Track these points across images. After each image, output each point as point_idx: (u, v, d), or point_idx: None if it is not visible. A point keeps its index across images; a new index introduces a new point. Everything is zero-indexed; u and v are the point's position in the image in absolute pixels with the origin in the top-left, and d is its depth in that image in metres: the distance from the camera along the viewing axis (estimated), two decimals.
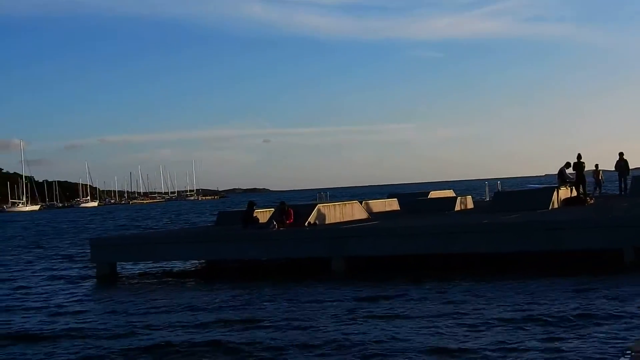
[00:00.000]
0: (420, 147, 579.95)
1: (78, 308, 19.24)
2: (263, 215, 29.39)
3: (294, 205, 28.61)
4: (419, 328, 13.97)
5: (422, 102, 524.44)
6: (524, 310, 14.98)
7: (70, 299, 21.09)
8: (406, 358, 11.75)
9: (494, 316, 14.58)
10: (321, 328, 14.58)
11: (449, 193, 43.64)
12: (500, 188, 45.57)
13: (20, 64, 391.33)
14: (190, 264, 28.00)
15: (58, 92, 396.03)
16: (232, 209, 43.78)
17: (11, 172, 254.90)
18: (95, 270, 26.69)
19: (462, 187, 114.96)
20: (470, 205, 37.30)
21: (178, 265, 28.02)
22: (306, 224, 26.64)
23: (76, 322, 16.96)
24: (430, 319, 14.80)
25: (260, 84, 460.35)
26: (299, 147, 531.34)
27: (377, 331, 13.90)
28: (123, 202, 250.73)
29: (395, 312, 15.89)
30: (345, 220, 29.28)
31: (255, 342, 13.57)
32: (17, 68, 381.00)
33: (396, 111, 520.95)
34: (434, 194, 41.59)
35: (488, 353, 11.75)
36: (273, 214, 28.12)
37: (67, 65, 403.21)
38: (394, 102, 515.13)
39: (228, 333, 14.65)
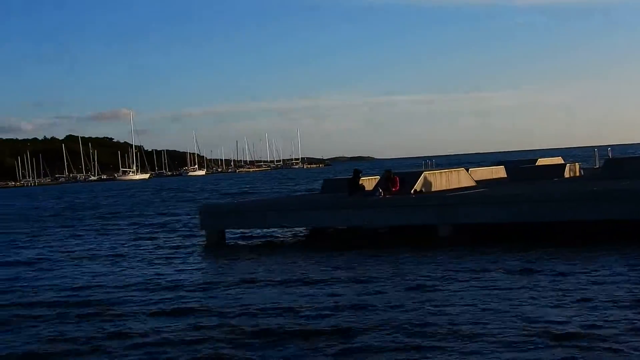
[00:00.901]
0: (526, 114, 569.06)
1: (188, 276, 19.65)
2: (369, 183, 29.44)
3: (399, 173, 28.56)
4: (528, 299, 13.79)
5: (527, 68, 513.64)
6: None
7: (181, 267, 21.59)
8: (522, 333, 11.57)
9: (615, 292, 13.75)
10: (432, 296, 14.62)
11: (557, 160, 42.79)
12: (611, 155, 44.39)
13: (129, 36, 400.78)
14: (296, 231, 28.31)
15: (165, 63, 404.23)
16: (337, 177, 43.92)
17: (121, 141, 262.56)
18: (204, 237, 27.29)
19: (569, 154, 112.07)
20: (579, 172, 36.47)
21: (284, 232, 28.36)
22: (412, 191, 26.56)
23: (187, 291, 17.29)
24: (540, 290, 14.50)
25: (366, 51, 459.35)
26: (403, 114, 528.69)
27: (483, 299, 13.81)
28: (229, 170, 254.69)
29: (504, 281, 15.73)
30: (451, 188, 29.06)
31: (369, 306, 13.71)
32: (127, 39, 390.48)
33: (501, 78, 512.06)
34: (541, 161, 40.85)
35: (616, 333, 10.96)
36: (379, 181, 28.13)
37: (173, 36, 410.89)
38: (498, 68, 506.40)
39: (339, 297, 14.80)
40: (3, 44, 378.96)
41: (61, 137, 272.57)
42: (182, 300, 15.72)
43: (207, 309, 14.52)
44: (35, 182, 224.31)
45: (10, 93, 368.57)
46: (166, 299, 16.04)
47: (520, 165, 39.83)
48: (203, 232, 27.61)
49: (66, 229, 39.18)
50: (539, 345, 10.45)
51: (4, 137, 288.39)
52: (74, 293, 17.65)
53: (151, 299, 16.10)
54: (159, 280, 18.73)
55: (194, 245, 26.86)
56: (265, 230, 28.55)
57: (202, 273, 19.99)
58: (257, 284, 17.20)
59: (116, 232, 35.26)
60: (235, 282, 17.47)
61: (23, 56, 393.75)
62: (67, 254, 26.78)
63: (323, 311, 13.45)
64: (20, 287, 19.03)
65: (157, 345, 11.84)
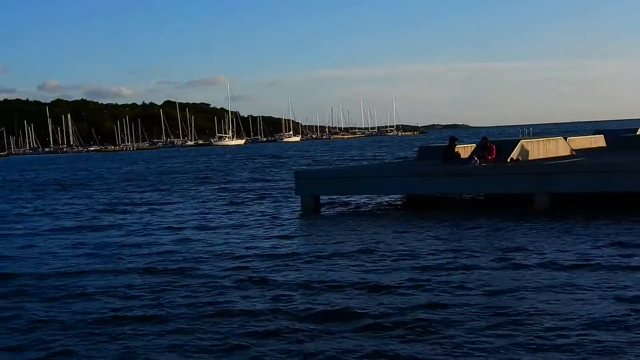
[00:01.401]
0: (626, 82, 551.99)
1: (282, 243, 19.77)
2: (464, 150, 29.21)
3: (495, 141, 28.25)
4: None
5: (626, 36, 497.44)
6: None
7: (275, 233, 21.71)
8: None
9: None
10: (530, 264, 14.52)
11: None
12: None
13: (227, 4, 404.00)
14: (390, 199, 28.33)
15: (262, 29, 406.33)
16: (433, 144, 43.66)
17: (218, 107, 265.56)
18: (299, 202, 27.43)
19: None
20: None
21: (379, 200, 28.39)
22: (508, 159, 26.25)
23: (279, 259, 17.43)
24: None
25: (465, 18, 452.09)
26: (499, 82, 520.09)
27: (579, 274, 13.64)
28: (324, 137, 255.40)
29: (600, 254, 15.50)
30: (548, 156, 28.60)
31: (464, 282, 13.66)
32: (226, 7, 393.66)
33: (600, 46, 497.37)
34: None
35: None
36: (475, 149, 27.88)
37: (270, 2, 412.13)
38: (597, 36, 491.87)
39: (432, 272, 14.79)
40: (110, 15, 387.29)
41: (159, 102, 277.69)
42: (273, 269, 15.63)
43: (296, 280, 14.32)
44: (133, 146, 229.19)
45: (112, 59, 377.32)
46: (256, 267, 15.98)
47: (621, 134, 38.87)
48: (298, 198, 27.86)
49: (160, 193, 40.03)
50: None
51: (105, 102, 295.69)
52: (163, 258, 17.67)
53: (240, 267, 16.06)
54: (251, 248, 18.75)
55: (288, 211, 27.08)
56: (359, 196, 28.63)
57: (296, 241, 19.96)
58: (348, 256, 16.70)
59: (209, 197, 35.72)
60: (328, 253, 17.20)
61: (126, 24, 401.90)
62: (159, 219, 27.13)
63: (416, 289, 13.00)
64: (112, 253, 19.04)
65: (249, 315, 11.75)
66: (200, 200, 34.01)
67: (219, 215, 27.19)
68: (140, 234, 23.04)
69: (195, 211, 29.24)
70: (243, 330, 10.84)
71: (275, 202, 31.11)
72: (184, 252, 18.50)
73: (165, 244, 20.21)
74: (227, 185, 43.13)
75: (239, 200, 32.72)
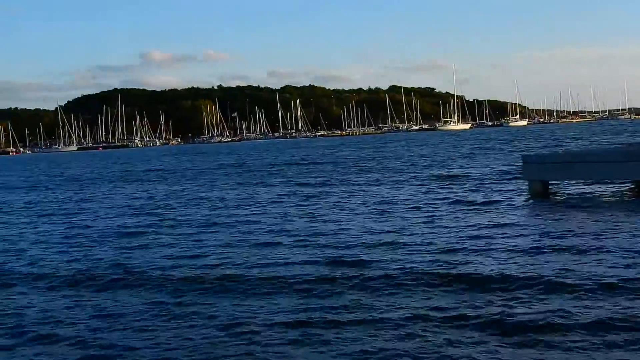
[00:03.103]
0: None
1: (508, 233, 17.99)
2: None
3: None
4: None
5: None
6: None
7: (500, 220, 20.04)
8: None
9: None
10: None
11: None
12: None
13: None
14: (625, 186, 25.80)
15: (487, 10, 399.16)
16: None
17: (443, 92, 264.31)
18: (527, 187, 25.74)
19: None
20: None
21: (614, 186, 25.97)
22: None
23: (503, 254, 15.92)
24: None
25: None
26: None
27: None
28: (552, 121, 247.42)
29: None
30: None
31: None
32: None
33: None
34: None
35: None
36: None
37: None
38: None
39: None
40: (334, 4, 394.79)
41: (385, 87, 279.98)
42: (495, 265, 13.89)
43: (517, 278, 12.48)
44: (359, 131, 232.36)
45: (335, 43, 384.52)
46: (478, 262, 14.32)
47: None
48: (525, 184, 26.09)
49: (368, 178, 39.18)
50: None
51: (331, 87, 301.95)
52: (356, 252, 16.00)
53: (456, 260, 14.45)
54: (467, 238, 17.16)
55: (514, 197, 25.32)
56: (594, 183, 26.38)
57: (525, 233, 17.73)
58: (584, 252, 14.52)
59: (426, 183, 34.18)
60: (558, 248, 15.07)
61: (350, 12, 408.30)
62: (365, 202, 26.31)
63: None
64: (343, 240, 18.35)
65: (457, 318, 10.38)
66: (418, 185, 32.66)
67: (433, 202, 25.56)
68: (343, 219, 22.01)
69: (398, 196, 27.83)
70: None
71: (498, 187, 29.20)
72: (388, 243, 17.04)
73: (368, 232, 18.89)
74: (444, 171, 41.67)
75: (459, 189, 30.75)
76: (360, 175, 41.88)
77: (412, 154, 68.06)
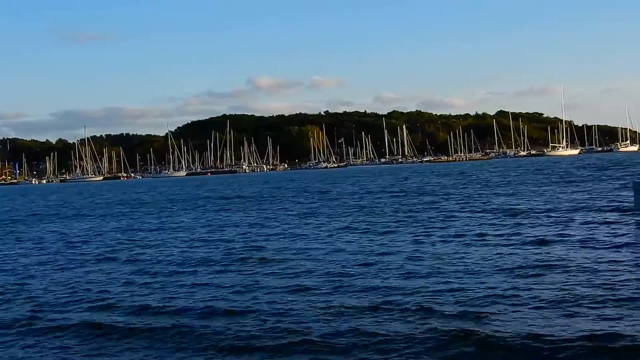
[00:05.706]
0: None
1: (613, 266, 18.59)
2: None
3: None
4: None
5: None
6: None
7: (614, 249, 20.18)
8: None
9: None
10: None
11: None
12: None
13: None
14: None
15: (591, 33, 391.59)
16: None
17: (551, 116, 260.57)
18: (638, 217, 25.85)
19: None
20: None
21: None
22: None
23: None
24: None
25: None
26: None
27: None
28: None
29: None
30: None
31: None
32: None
33: None
34: None
35: None
36: None
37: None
38: None
39: None
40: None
41: (492, 112, 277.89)
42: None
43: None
44: (466, 157, 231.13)
45: (441, 69, 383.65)
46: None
47: None
48: (637, 213, 26.24)
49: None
50: None
51: (438, 112, 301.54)
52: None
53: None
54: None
55: (623, 225, 25.07)
56: None
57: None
58: None
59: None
60: None
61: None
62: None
63: None
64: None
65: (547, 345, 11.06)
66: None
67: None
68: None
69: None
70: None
71: (603, 217, 28.34)
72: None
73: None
74: (550, 197, 42.06)
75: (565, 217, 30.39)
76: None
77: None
